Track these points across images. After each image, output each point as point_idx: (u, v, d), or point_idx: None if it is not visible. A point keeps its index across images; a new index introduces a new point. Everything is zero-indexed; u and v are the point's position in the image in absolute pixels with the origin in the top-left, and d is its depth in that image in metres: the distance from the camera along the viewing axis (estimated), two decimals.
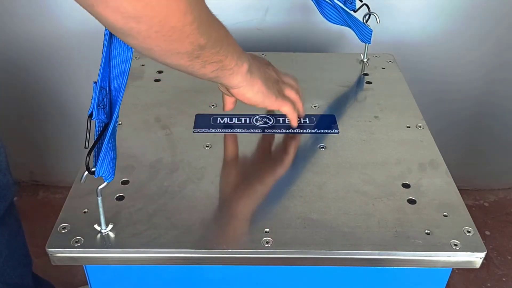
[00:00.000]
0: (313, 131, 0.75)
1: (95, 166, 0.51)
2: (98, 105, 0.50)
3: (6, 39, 1.15)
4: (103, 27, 0.52)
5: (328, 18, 0.80)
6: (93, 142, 0.51)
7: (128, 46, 0.50)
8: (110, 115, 0.52)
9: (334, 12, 0.79)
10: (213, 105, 0.80)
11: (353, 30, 0.84)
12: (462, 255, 0.56)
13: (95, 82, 0.51)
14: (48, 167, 1.40)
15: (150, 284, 0.63)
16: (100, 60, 0.51)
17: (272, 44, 1.13)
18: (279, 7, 1.10)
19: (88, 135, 0.51)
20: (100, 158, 0.51)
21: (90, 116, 0.50)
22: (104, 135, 0.51)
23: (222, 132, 0.74)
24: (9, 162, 1.30)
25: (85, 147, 0.51)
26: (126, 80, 0.51)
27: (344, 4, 0.82)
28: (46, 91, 1.23)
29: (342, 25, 0.82)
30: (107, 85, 0.52)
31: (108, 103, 0.52)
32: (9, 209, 0.80)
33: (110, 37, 0.49)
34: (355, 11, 0.84)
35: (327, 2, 0.78)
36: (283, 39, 1.13)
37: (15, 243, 0.80)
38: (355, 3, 0.83)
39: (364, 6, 0.85)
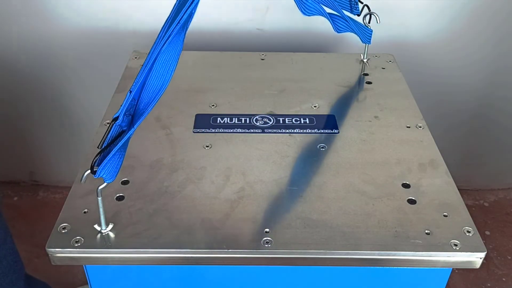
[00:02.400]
0: (313, 131, 0.75)
1: (98, 166, 0.51)
2: (125, 112, 0.51)
3: (5, 40, 1.15)
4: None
5: (339, 31, 0.81)
6: (105, 144, 0.52)
7: (166, 76, 0.51)
8: (130, 124, 0.53)
9: (344, 24, 0.80)
10: (213, 105, 0.80)
11: (357, 34, 0.85)
12: (462, 255, 0.56)
13: (130, 91, 0.52)
14: (48, 167, 1.40)
15: (150, 284, 0.63)
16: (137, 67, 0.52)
17: (272, 44, 1.13)
18: (279, 7, 1.10)
19: (105, 136, 0.52)
20: (105, 161, 0.51)
21: (115, 120, 0.51)
22: (117, 140, 0.52)
23: (222, 132, 0.74)
24: (9, 162, 1.30)
25: (98, 147, 0.52)
26: (155, 104, 0.52)
27: (351, 11, 0.83)
28: (46, 91, 1.23)
29: (349, 32, 0.83)
30: (137, 98, 0.53)
31: (133, 113, 0.53)
32: None
33: (153, 63, 0.51)
34: (358, 15, 0.84)
35: (339, 17, 0.79)
36: (283, 39, 1.13)
37: (3, 251, 0.80)
38: (358, 8, 0.84)
39: (365, 6, 0.86)
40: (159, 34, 0.52)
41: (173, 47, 0.51)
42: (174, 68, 0.52)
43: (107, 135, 0.52)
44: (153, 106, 0.52)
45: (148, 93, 0.52)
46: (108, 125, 0.52)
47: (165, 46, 0.50)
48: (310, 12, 0.72)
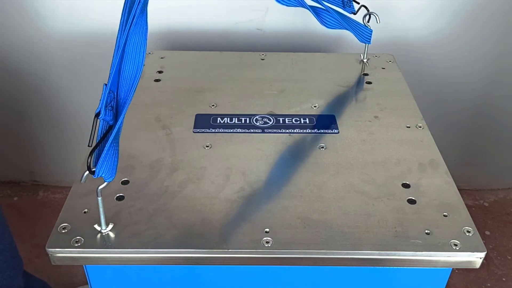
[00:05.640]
0: (313, 131, 0.75)
1: (95, 166, 0.51)
2: (106, 106, 0.51)
3: (5, 41, 1.15)
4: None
5: (327, 25, 0.80)
6: (96, 142, 0.52)
7: (139, 58, 0.51)
8: (115, 118, 0.52)
9: (332, 19, 0.79)
10: (213, 105, 0.80)
11: (353, 33, 0.85)
12: (462, 255, 0.56)
13: (105, 84, 0.51)
14: (48, 167, 1.40)
15: (150, 284, 0.63)
16: (110, 63, 0.51)
17: (272, 44, 1.13)
18: (279, 7, 1.09)
19: (93, 133, 0.51)
20: (101, 159, 0.51)
21: (97, 115, 0.51)
22: (107, 136, 0.51)
23: (222, 132, 0.74)
24: (9, 162, 1.30)
25: (88, 145, 0.52)
26: (135, 90, 0.52)
27: (344, 8, 0.82)
28: (46, 91, 1.23)
29: (341, 29, 0.82)
30: (116, 89, 0.52)
31: (115, 105, 0.52)
32: None
33: (124, 48, 0.51)
34: (354, 14, 0.84)
35: (324, 10, 0.78)
36: (283, 39, 1.13)
37: (1, 245, 0.80)
38: (353, 6, 0.84)
39: (362, 6, 0.85)
40: (121, 19, 0.51)
41: (139, 28, 0.51)
42: (144, 50, 0.51)
43: (95, 132, 0.52)
44: (133, 92, 0.52)
45: (125, 80, 0.52)
46: (93, 122, 0.52)
47: (132, 28, 0.50)
48: (288, 2, 0.70)
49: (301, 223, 0.59)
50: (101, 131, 0.52)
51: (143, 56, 0.52)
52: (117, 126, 0.51)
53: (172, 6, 1.06)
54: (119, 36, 0.51)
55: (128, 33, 0.50)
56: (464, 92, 1.23)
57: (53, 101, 1.25)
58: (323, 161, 0.69)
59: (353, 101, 0.83)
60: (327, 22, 0.79)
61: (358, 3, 0.84)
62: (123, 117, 0.52)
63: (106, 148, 0.51)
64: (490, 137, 1.32)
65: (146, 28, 0.51)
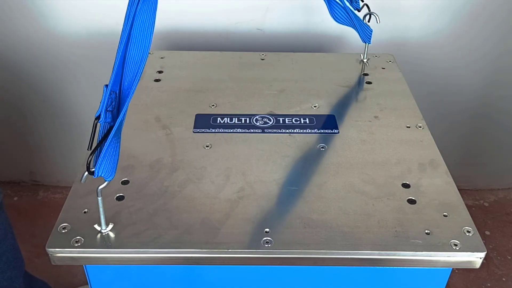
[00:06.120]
0: (313, 131, 0.75)
1: (95, 166, 0.51)
2: (106, 109, 0.50)
3: (6, 40, 1.15)
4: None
5: (336, 19, 0.80)
6: (96, 144, 0.51)
7: (144, 48, 0.49)
8: (116, 117, 0.52)
9: (343, 13, 0.79)
10: (213, 105, 0.80)
11: (358, 30, 0.85)
12: (462, 255, 0.56)
13: (106, 85, 0.50)
14: (48, 167, 1.40)
15: (150, 284, 0.63)
16: (112, 64, 0.50)
17: (272, 44, 1.13)
18: (279, 7, 1.10)
19: (92, 137, 0.51)
20: (100, 157, 0.51)
21: (97, 118, 0.50)
22: (107, 136, 0.51)
23: (222, 132, 0.74)
24: (9, 162, 1.30)
25: (88, 149, 0.51)
26: (137, 83, 0.51)
27: (351, 4, 0.82)
28: (46, 91, 1.23)
29: (349, 25, 0.82)
30: (118, 88, 0.52)
31: (116, 106, 0.52)
32: None
33: (127, 40, 0.49)
34: (359, 10, 0.84)
35: (337, 2, 0.78)
36: (283, 39, 1.13)
37: (4, 246, 0.80)
38: (359, 2, 0.84)
39: (364, 5, 0.86)
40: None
41: (148, 5, 0.48)
42: (152, 31, 0.49)
43: (95, 135, 0.51)
44: (137, 81, 0.50)
45: (131, 64, 0.50)
46: (93, 126, 0.51)
47: (140, 5, 0.48)
48: None
49: (301, 223, 0.59)
50: (102, 132, 0.52)
51: (150, 38, 0.49)
52: (117, 124, 0.51)
53: (172, 6, 1.06)
54: (126, 14, 0.49)
55: (136, 10, 0.48)
56: (464, 92, 1.23)
57: (53, 101, 1.25)
58: (323, 161, 0.69)
59: (353, 101, 0.83)
60: (337, 15, 0.79)
61: (362, 1, 0.84)
62: (124, 113, 0.51)
63: (105, 145, 0.50)
64: (490, 137, 1.32)
65: (155, 7, 0.49)
